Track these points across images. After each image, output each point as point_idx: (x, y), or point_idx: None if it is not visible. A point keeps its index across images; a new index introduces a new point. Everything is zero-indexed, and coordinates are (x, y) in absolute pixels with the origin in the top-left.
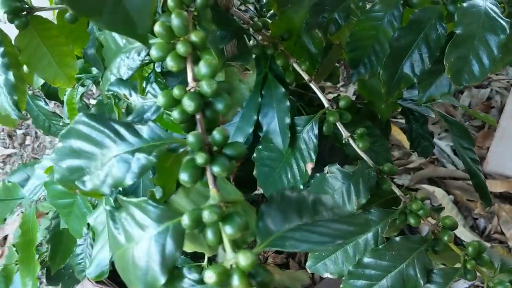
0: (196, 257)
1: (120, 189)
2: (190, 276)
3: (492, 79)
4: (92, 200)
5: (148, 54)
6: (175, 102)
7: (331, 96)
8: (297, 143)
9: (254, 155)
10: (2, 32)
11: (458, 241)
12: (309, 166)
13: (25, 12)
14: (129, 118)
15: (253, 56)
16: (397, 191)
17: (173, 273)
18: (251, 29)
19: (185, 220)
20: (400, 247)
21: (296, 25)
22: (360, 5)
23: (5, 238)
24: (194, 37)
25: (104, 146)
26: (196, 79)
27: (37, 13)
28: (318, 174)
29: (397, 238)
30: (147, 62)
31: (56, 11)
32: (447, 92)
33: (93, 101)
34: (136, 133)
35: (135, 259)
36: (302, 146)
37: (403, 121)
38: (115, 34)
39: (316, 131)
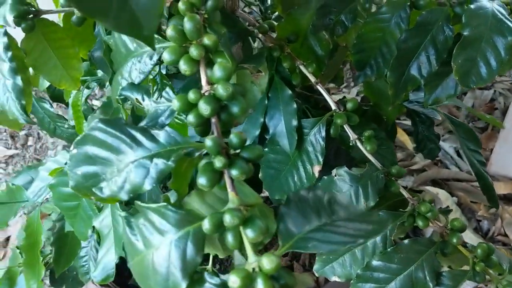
0: None
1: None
2: (211, 280)
3: (495, 81)
4: (98, 203)
5: (160, 58)
6: (190, 106)
7: (334, 98)
8: (304, 145)
9: None
10: (10, 36)
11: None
12: (316, 169)
13: (31, 15)
14: (143, 123)
15: None
16: (405, 194)
17: (194, 278)
18: (256, 31)
19: (206, 224)
20: (408, 249)
21: (302, 27)
22: (366, 7)
23: (8, 239)
24: (207, 40)
25: (120, 151)
26: (209, 83)
27: (43, 16)
28: (325, 177)
29: (406, 241)
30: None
31: (62, 14)
32: (453, 94)
33: (95, 102)
34: (153, 138)
35: (155, 265)
36: (309, 149)
37: (406, 122)
38: (125, 38)
39: (323, 134)
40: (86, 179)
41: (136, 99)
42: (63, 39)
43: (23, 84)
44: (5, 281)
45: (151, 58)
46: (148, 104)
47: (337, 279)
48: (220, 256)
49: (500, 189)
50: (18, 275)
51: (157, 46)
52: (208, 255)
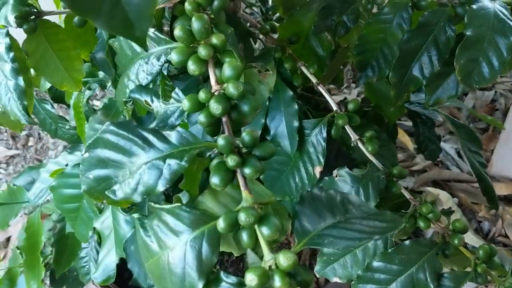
0: None
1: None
2: (227, 279)
3: (496, 82)
4: (98, 204)
5: (167, 59)
6: (200, 106)
7: (335, 99)
8: (305, 146)
9: None
10: (12, 37)
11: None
12: (318, 170)
13: (33, 17)
14: (153, 124)
15: None
16: (406, 194)
17: (210, 278)
18: (258, 32)
19: (221, 223)
20: (409, 250)
21: (304, 28)
22: (368, 8)
23: (8, 239)
24: (215, 39)
25: (132, 154)
26: (219, 82)
27: (45, 17)
28: (327, 178)
29: (407, 242)
30: None
31: (63, 15)
32: (454, 94)
33: (96, 102)
34: (165, 139)
35: (171, 266)
36: (310, 150)
37: (407, 123)
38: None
39: (324, 134)
40: (98, 183)
41: (145, 101)
42: (64, 41)
43: (24, 85)
44: (6, 282)
45: (158, 59)
46: (158, 106)
47: (338, 280)
48: (236, 254)
49: (501, 190)
50: (19, 275)
51: (163, 47)
52: None
